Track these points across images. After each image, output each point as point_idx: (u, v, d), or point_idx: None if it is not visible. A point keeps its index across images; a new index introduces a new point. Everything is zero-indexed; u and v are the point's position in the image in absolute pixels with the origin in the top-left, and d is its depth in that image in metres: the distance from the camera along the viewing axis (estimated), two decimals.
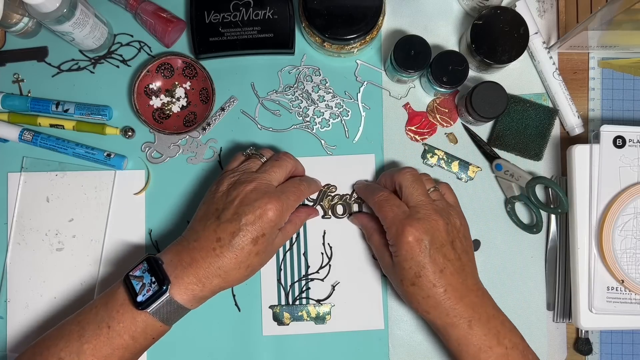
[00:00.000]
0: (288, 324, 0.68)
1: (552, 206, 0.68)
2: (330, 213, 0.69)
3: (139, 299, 0.55)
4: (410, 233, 0.56)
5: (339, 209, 0.69)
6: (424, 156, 0.70)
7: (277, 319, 0.68)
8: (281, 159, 0.62)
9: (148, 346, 0.58)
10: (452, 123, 0.70)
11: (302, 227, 0.69)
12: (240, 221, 0.56)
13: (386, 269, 0.62)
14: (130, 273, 0.56)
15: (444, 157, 0.70)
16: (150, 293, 0.54)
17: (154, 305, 0.54)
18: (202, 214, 0.59)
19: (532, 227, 0.68)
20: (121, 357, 0.55)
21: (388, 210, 0.59)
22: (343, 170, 0.70)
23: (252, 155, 0.63)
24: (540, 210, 0.68)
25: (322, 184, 0.69)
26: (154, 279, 0.55)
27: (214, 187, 0.60)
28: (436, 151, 0.70)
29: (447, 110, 0.70)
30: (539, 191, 0.69)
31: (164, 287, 0.54)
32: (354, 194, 0.70)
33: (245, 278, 0.59)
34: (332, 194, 0.69)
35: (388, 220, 0.59)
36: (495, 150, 0.70)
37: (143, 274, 0.56)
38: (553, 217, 0.69)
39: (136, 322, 0.55)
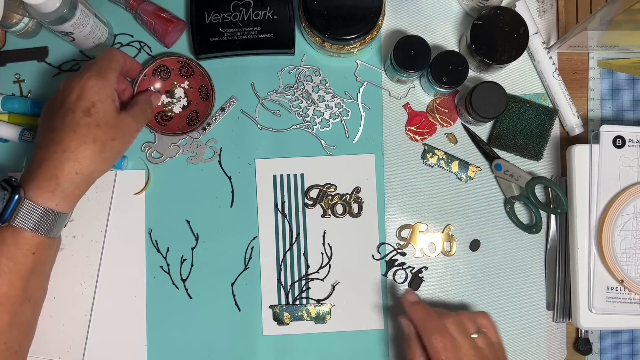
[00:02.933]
0: (288, 324, 0.68)
1: (551, 206, 0.68)
2: (330, 213, 0.69)
3: None
4: None
5: (339, 209, 0.70)
6: (424, 156, 0.70)
7: (277, 319, 0.68)
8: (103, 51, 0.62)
9: (36, 265, 0.55)
10: (452, 123, 0.70)
11: (302, 227, 0.69)
12: (65, 104, 0.56)
13: None
14: None
15: (444, 157, 0.70)
16: (4, 203, 0.53)
17: (12, 214, 0.53)
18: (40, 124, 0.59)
19: (532, 227, 0.68)
20: (9, 283, 0.54)
21: None
22: (343, 170, 0.70)
23: None
24: (540, 210, 0.68)
25: (323, 183, 0.69)
26: (5, 191, 0.53)
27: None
28: (436, 151, 0.70)
29: (447, 110, 0.70)
30: (539, 191, 0.69)
31: (16, 192, 0.53)
32: (354, 193, 0.70)
33: (102, 160, 0.57)
34: (332, 194, 0.70)
35: None
36: (495, 150, 0.70)
37: None
38: (553, 217, 0.69)
39: (4, 239, 0.53)
